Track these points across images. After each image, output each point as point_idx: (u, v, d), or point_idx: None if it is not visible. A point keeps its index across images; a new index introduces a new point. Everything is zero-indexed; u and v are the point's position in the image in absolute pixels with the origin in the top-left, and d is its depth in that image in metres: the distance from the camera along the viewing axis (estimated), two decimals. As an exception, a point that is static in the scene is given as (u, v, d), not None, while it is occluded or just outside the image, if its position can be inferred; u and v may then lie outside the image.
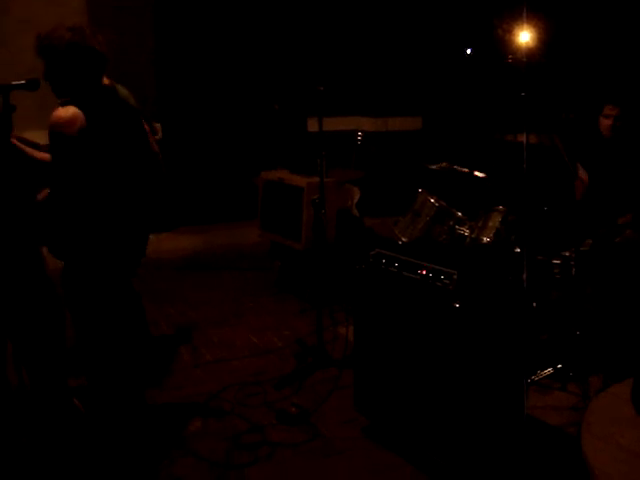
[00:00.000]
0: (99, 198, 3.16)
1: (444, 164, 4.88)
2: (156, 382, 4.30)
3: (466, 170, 4.80)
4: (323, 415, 3.91)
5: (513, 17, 4.90)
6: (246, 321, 5.40)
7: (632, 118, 4.78)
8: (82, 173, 3.08)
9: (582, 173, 5.02)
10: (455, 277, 3.17)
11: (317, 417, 3.89)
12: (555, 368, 4.11)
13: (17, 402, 3.45)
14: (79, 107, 3.07)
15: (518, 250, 4.08)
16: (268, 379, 4.34)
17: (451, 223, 4.53)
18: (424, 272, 3.30)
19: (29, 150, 3.46)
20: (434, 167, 4.90)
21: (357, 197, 6.40)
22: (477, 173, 4.76)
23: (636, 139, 4.75)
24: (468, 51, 8.00)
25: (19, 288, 3.12)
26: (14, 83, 3.09)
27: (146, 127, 3.63)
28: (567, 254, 4.06)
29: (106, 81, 3.99)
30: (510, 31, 4.98)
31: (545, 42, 5.24)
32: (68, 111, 3.06)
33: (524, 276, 3.68)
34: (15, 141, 3.40)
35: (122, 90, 3.90)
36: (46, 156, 3.28)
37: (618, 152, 4.72)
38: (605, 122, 4.74)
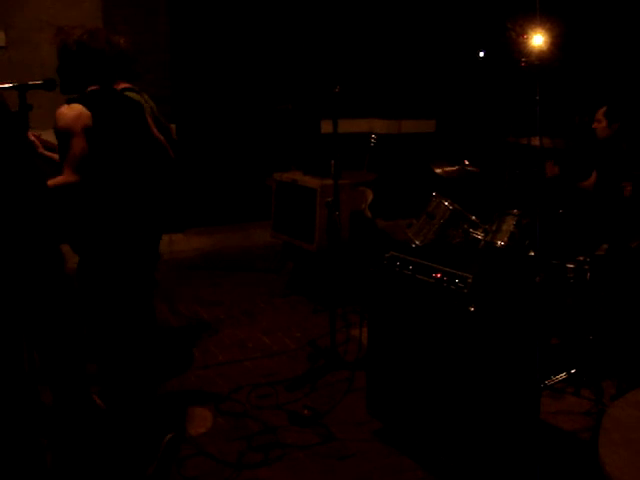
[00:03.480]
0: (106, 194, 3.18)
1: (461, 165, 4.87)
2: (167, 383, 4.31)
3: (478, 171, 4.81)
4: (335, 417, 3.91)
5: (526, 20, 4.89)
6: (258, 322, 5.40)
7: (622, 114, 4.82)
8: (88, 169, 3.11)
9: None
10: (470, 281, 3.16)
11: (329, 419, 3.89)
12: (569, 373, 4.09)
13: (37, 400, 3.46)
14: (85, 105, 3.10)
15: (532, 254, 4.06)
16: (280, 380, 4.34)
17: (465, 226, 4.51)
18: (438, 275, 3.29)
19: (42, 151, 3.48)
20: (439, 171, 4.88)
21: (370, 199, 6.40)
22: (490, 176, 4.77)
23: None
24: (481, 54, 8.00)
25: (38, 285, 3.12)
26: (31, 83, 3.11)
27: (155, 131, 3.65)
28: (582, 258, 4.04)
29: (124, 85, 4.02)
30: (523, 34, 4.97)
31: (558, 45, 5.23)
32: (73, 109, 3.08)
33: (538, 280, 3.67)
34: (33, 137, 3.42)
35: (135, 95, 3.92)
36: (56, 156, 3.30)
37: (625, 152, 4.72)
38: (599, 126, 4.80)
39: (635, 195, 4.61)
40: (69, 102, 3.13)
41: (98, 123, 3.12)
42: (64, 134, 3.08)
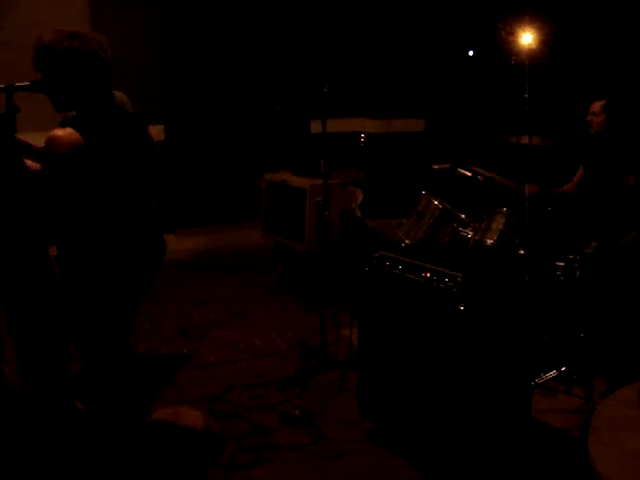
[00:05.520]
0: (98, 207, 3.06)
1: (448, 165, 4.88)
2: (158, 385, 4.30)
3: (469, 174, 4.80)
4: (327, 417, 3.90)
5: (516, 19, 4.90)
6: (249, 323, 5.40)
7: (620, 106, 4.80)
8: (76, 187, 2.98)
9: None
10: (459, 279, 3.16)
11: (321, 419, 3.88)
12: (559, 371, 4.10)
13: (18, 403, 3.44)
14: (78, 126, 2.95)
15: (522, 252, 4.07)
16: (272, 381, 4.33)
17: (455, 225, 4.51)
18: (428, 274, 3.29)
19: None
20: (436, 167, 4.89)
21: (360, 199, 6.40)
22: (480, 175, 4.77)
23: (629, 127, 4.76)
24: (471, 53, 8.00)
25: (25, 288, 3.10)
26: (18, 84, 3.06)
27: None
28: (572, 256, 4.05)
29: None
30: (513, 33, 4.98)
31: (548, 44, 5.24)
32: (66, 133, 2.86)
33: (528, 278, 3.68)
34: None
35: (117, 95, 3.83)
36: (30, 164, 3.17)
37: (613, 147, 4.71)
38: (596, 120, 4.77)
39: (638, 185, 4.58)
40: (64, 124, 2.90)
41: (90, 144, 2.91)
42: (57, 159, 2.95)
